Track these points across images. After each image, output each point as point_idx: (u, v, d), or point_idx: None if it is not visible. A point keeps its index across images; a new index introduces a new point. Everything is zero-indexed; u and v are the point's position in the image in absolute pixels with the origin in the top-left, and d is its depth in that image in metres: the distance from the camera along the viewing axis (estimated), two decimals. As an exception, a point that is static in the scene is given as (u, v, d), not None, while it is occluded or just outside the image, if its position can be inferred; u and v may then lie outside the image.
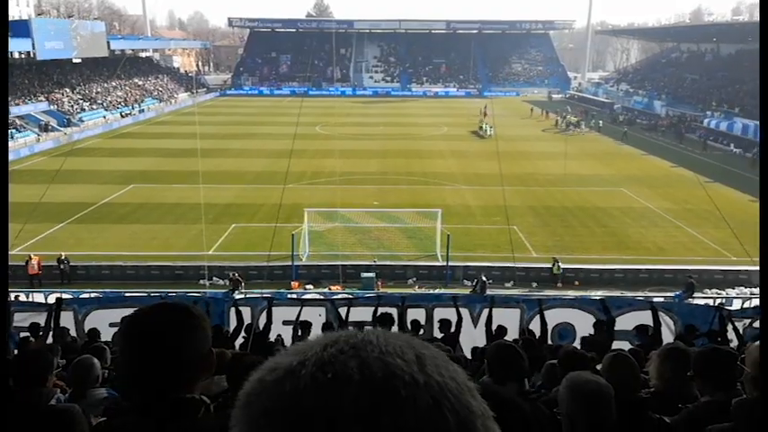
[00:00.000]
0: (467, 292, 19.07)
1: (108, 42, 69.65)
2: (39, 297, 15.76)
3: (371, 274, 20.16)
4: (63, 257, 20.67)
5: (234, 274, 19.77)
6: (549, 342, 8.87)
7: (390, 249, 23.35)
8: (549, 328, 9.30)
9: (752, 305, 14.88)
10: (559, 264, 20.76)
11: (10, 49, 49.25)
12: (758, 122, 42.78)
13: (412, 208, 26.99)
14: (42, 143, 46.76)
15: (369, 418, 0.59)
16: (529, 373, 4.40)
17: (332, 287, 19.95)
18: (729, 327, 8.73)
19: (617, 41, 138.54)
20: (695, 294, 18.70)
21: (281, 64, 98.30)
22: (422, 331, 9.33)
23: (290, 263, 21.10)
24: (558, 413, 2.56)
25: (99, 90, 66.61)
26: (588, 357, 5.04)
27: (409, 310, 10.04)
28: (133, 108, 65.55)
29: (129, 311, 1.59)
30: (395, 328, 8.72)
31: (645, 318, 8.99)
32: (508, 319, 9.85)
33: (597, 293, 17.85)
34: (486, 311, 9.58)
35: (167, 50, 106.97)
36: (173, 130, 54.30)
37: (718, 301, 17.01)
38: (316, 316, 10.02)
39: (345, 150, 41.20)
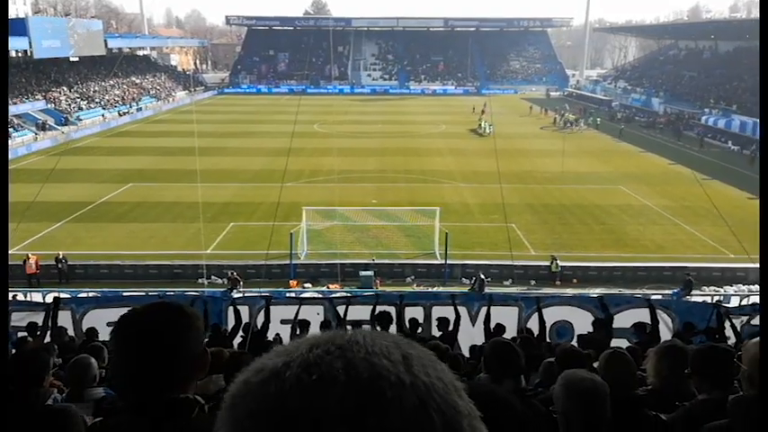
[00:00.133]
0: (465, 290, 19.08)
1: (105, 41, 69.57)
2: (36, 296, 15.73)
3: (370, 273, 20.18)
4: (61, 256, 20.64)
5: (232, 273, 19.80)
6: (548, 340, 8.89)
7: (389, 248, 23.34)
8: (548, 326, 9.34)
9: (749, 302, 14.93)
10: (558, 261, 20.79)
11: (7, 48, 49.08)
12: (756, 119, 42.85)
13: (410, 206, 26.97)
14: (40, 142, 46.67)
15: (354, 419, 0.59)
16: (526, 370, 4.41)
17: (330, 286, 19.94)
18: (727, 324, 8.75)
19: (615, 39, 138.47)
20: (693, 292, 18.75)
21: (279, 62, 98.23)
22: (420, 330, 9.34)
23: (288, 261, 21.09)
24: (553, 411, 2.56)
25: (96, 88, 66.49)
26: (585, 355, 5.05)
27: (407, 309, 10.03)
28: (131, 106, 65.44)
29: (126, 311, 1.59)
30: (393, 327, 8.73)
31: (643, 315, 9.02)
32: (506, 317, 9.85)
33: (595, 291, 17.84)
34: (484, 310, 9.61)
35: (165, 49, 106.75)
36: (170, 128, 54.25)
37: (716, 298, 17.04)
38: (314, 315, 10.00)
39: (343, 148, 41.17)
